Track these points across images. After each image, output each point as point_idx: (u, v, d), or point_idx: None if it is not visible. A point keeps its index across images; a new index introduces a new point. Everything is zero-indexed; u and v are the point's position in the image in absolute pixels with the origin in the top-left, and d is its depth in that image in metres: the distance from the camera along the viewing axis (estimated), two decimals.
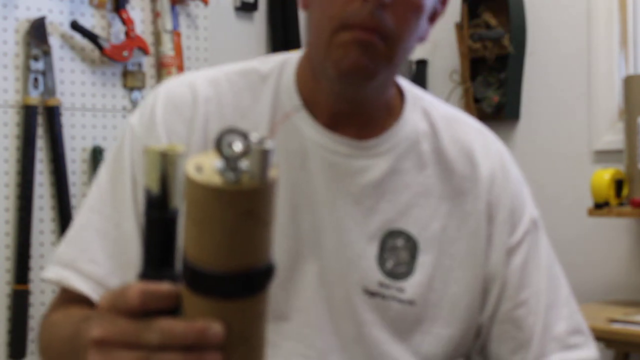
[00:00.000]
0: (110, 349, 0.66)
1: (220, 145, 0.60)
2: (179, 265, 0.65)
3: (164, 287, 0.64)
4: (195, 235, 0.62)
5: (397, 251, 1.04)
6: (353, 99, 1.02)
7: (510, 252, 1.07)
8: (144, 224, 0.65)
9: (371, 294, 1.03)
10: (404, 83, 1.11)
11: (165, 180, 0.63)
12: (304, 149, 1.03)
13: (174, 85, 1.06)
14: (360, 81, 0.98)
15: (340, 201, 1.03)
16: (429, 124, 1.08)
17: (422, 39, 1.03)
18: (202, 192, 0.60)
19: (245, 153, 0.60)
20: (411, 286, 1.03)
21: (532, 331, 1.06)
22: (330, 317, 1.03)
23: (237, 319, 0.65)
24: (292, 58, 1.07)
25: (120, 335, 0.65)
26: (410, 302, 1.03)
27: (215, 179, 0.60)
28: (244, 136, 0.60)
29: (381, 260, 1.03)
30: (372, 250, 1.03)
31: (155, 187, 0.63)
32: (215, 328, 0.63)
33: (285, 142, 1.03)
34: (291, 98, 1.04)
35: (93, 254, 1.02)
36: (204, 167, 0.61)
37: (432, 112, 1.10)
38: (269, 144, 0.60)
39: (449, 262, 1.05)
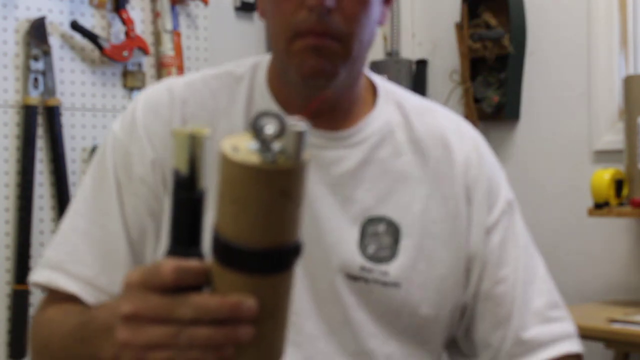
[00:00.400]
0: (140, 324, 0.68)
1: (255, 127, 0.63)
2: (208, 242, 0.68)
3: (196, 263, 0.67)
4: (231, 213, 0.65)
5: (379, 236, 1.06)
6: (321, 95, 1.05)
7: (489, 231, 1.10)
8: (172, 204, 0.68)
9: (354, 278, 1.05)
10: (377, 78, 1.15)
11: (193, 161, 0.67)
12: None
13: (153, 90, 1.11)
14: (323, 83, 1.02)
15: (317, 192, 1.05)
16: (402, 115, 1.12)
17: (380, 22, 1.06)
18: (240, 171, 0.63)
19: (280, 135, 0.63)
20: (395, 269, 1.06)
21: (511, 307, 1.09)
22: (316, 303, 1.05)
23: (268, 295, 0.68)
24: (263, 60, 1.11)
25: (153, 310, 0.67)
26: (395, 285, 1.05)
27: (253, 159, 0.63)
28: (279, 118, 0.63)
29: (362, 245, 1.06)
30: (353, 236, 1.05)
31: (184, 168, 0.66)
32: (249, 302, 0.66)
33: None
34: (264, 97, 1.08)
35: (80, 256, 1.04)
36: (239, 147, 0.65)
37: (405, 103, 1.14)
38: (303, 126, 0.63)
39: (431, 243, 1.08)
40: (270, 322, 0.69)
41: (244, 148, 0.64)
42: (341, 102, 1.08)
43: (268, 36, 1.06)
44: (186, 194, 0.67)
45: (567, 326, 1.12)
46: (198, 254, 0.68)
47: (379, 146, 1.09)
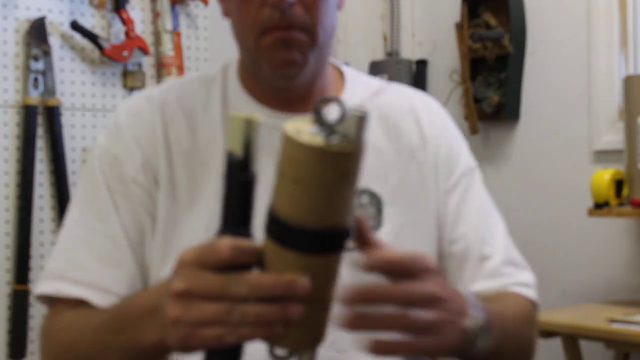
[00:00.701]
0: (193, 301, 0.70)
1: (318, 112, 0.67)
2: (258, 223, 0.71)
3: (251, 242, 0.70)
4: (292, 193, 0.68)
5: (365, 207, 1.11)
6: (294, 86, 1.10)
7: (447, 193, 1.16)
8: (225, 185, 0.71)
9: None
10: (343, 66, 1.21)
11: (248, 144, 0.70)
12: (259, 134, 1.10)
13: (131, 100, 1.17)
14: (294, 72, 1.07)
15: None
16: (369, 93, 1.18)
17: (339, 7, 1.12)
18: (305, 152, 0.66)
19: (341, 119, 0.66)
20: (383, 237, 1.08)
21: (465, 265, 1.13)
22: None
23: (319, 275, 0.71)
24: (232, 61, 1.17)
25: (207, 287, 0.69)
26: None
27: (318, 141, 0.66)
28: (340, 103, 0.67)
29: None
30: None
31: (238, 151, 0.70)
32: (303, 281, 0.69)
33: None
34: (238, 93, 1.13)
35: (83, 263, 1.06)
36: (301, 131, 0.68)
37: (371, 83, 1.21)
38: (364, 111, 0.66)
39: (412, 210, 1.13)
40: (318, 302, 0.72)
41: (306, 131, 0.67)
42: (313, 88, 1.12)
43: (234, 34, 1.10)
44: (240, 176, 0.70)
45: (520, 277, 1.15)
46: (248, 234, 0.71)
47: None
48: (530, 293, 1.15)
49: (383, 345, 0.77)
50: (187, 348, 0.71)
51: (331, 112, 0.66)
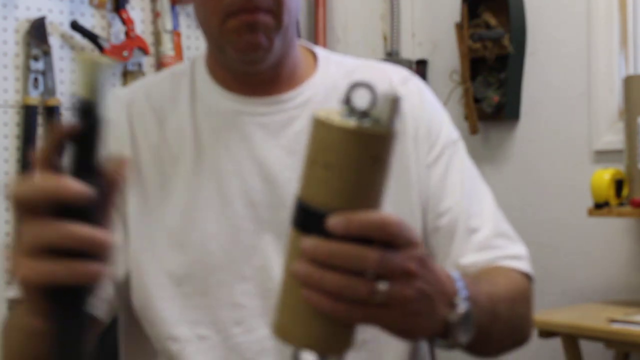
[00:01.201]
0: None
1: (349, 96, 0.66)
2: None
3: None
4: (324, 179, 0.66)
5: None
6: (260, 70, 1.09)
7: (430, 166, 1.13)
8: (75, 131, 0.68)
9: None
10: (316, 48, 1.20)
11: (93, 87, 0.68)
12: (229, 122, 1.10)
13: None
14: (260, 56, 1.05)
15: (273, 157, 1.08)
16: (344, 72, 1.16)
17: None
18: (338, 134, 0.65)
19: (373, 103, 0.65)
20: None
21: (453, 239, 1.11)
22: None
23: None
24: (200, 55, 1.17)
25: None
26: None
27: (350, 124, 0.65)
28: (371, 88, 0.66)
29: None
30: None
31: (85, 93, 0.67)
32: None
33: (210, 121, 1.10)
34: (206, 83, 1.12)
35: None
36: (332, 116, 0.66)
37: (345, 61, 1.19)
38: (396, 94, 0.65)
39: (393, 188, 1.11)
40: None
41: (336, 116, 0.66)
42: (280, 70, 1.11)
43: (198, 20, 1.09)
44: (84, 119, 0.68)
45: (512, 250, 1.12)
46: (91, 179, 0.68)
47: (324, 103, 1.12)
48: (523, 266, 1.11)
49: (314, 298, 0.68)
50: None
51: (365, 96, 0.66)
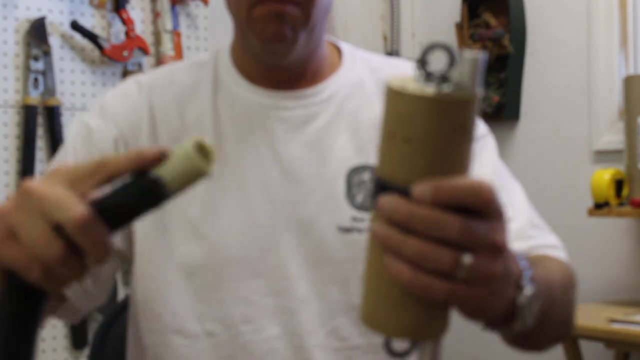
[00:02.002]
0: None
1: (425, 60, 0.59)
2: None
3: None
4: (405, 154, 0.60)
5: (366, 184, 1.07)
6: (284, 63, 1.07)
7: None
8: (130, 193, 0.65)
9: (346, 230, 1.05)
10: (342, 43, 1.18)
11: (184, 184, 0.65)
12: (251, 114, 1.09)
13: (122, 84, 1.16)
14: (284, 49, 1.04)
15: (294, 153, 1.07)
16: (369, 70, 1.14)
17: None
18: (417, 104, 0.59)
19: (451, 65, 0.59)
20: None
21: None
22: (308, 265, 1.05)
23: None
24: (225, 45, 1.15)
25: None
26: None
27: (430, 91, 0.59)
28: (448, 48, 0.59)
29: (350, 196, 1.06)
30: (339, 189, 1.06)
31: (171, 185, 0.65)
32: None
33: (232, 112, 1.09)
34: (230, 74, 1.11)
35: None
36: (407, 85, 0.60)
37: (371, 58, 1.17)
38: (476, 53, 0.59)
39: None
40: None
41: (412, 85, 0.60)
42: (306, 66, 1.10)
43: (227, 6, 1.08)
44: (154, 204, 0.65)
45: (548, 239, 1.08)
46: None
47: (348, 99, 1.11)
48: (562, 255, 1.07)
49: (393, 267, 0.61)
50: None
51: (443, 58, 0.60)
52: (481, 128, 1.15)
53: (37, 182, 0.66)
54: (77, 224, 0.63)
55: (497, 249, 0.63)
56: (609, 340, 2.23)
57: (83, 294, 1.07)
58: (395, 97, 0.60)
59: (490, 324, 0.76)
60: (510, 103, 2.86)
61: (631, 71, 2.66)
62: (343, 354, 1.05)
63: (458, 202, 0.60)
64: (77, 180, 0.66)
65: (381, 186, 0.61)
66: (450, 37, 3.02)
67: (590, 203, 2.47)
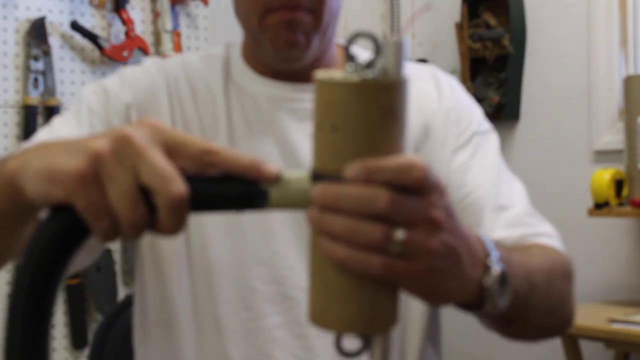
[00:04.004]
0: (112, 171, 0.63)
1: (350, 50, 0.61)
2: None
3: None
4: (333, 143, 0.61)
5: None
6: (296, 68, 1.08)
7: (456, 150, 1.11)
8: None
9: None
10: (351, 46, 1.17)
11: None
12: (260, 104, 1.10)
13: (143, 61, 1.17)
14: (297, 54, 1.05)
15: (301, 144, 1.07)
16: None
17: None
18: (341, 91, 0.60)
19: (377, 52, 0.60)
20: None
21: (482, 217, 1.07)
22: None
23: None
24: (236, 40, 1.16)
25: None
26: None
27: (353, 78, 0.60)
28: (372, 37, 0.60)
29: None
30: None
31: None
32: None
33: (242, 103, 1.10)
34: (240, 67, 1.12)
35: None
36: (333, 76, 0.61)
37: None
38: (400, 38, 0.60)
39: None
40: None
41: (338, 74, 0.61)
42: (315, 65, 1.09)
43: (237, 13, 1.08)
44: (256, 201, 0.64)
45: (543, 228, 1.08)
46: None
47: None
48: (557, 244, 1.06)
49: (327, 247, 0.62)
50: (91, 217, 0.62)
51: (368, 46, 0.61)
52: (485, 124, 1.16)
53: (137, 132, 0.61)
54: (174, 202, 0.60)
55: (434, 224, 0.63)
56: (609, 340, 2.23)
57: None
58: (321, 87, 0.61)
59: (461, 305, 0.76)
60: (510, 103, 2.86)
61: (631, 71, 2.66)
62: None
63: (389, 180, 0.60)
64: (177, 151, 0.63)
65: (315, 178, 0.62)
66: (450, 37, 3.02)
67: (590, 203, 2.47)
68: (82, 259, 1.08)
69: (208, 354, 1.06)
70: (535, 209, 1.15)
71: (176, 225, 0.62)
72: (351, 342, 0.64)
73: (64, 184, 0.62)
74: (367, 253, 0.61)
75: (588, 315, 2.28)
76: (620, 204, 2.43)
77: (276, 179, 0.63)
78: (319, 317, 0.64)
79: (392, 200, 0.60)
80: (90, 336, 2.31)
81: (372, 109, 0.60)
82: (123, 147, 0.61)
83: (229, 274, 1.05)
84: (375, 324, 0.63)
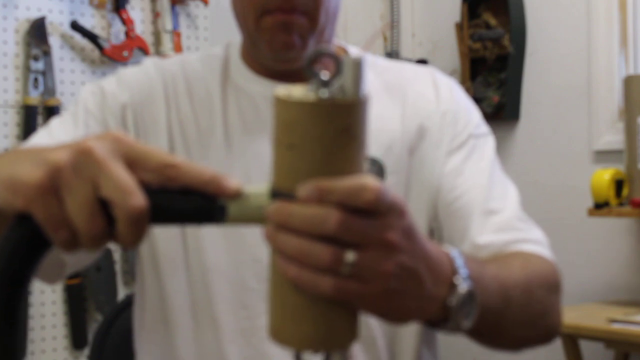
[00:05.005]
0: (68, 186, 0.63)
1: (310, 67, 0.60)
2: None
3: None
4: (289, 161, 0.60)
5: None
6: (293, 69, 1.09)
7: (450, 153, 1.11)
8: None
9: None
10: (351, 47, 1.19)
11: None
12: (256, 104, 1.10)
13: (142, 61, 1.18)
14: (294, 55, 1.05)
15: None
16: (375, 71, 1.15)
17: None
18: (296, 110, 0.60)
19: (337, 71, 0.60)
20: None
21: (470, 220, 1.06)
22: None
23: None
24: (235, 40, 1.16)
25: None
26: None
27: (310, 97, 0.60)
28: (332, 56, 0.60)
29: None
30: None
31: None
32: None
33: (239, 102, 1.11)
34: (238, 67, 1.13)
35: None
36: (293, 93, 0.61)
37: (377, 62, 1.19)
38: (359, 58, 0.60)
39: (413, 181, 1.10)
40: None
41: (297, 92, 0.61)
42: None
43: (235, 14, 1.09)
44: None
45: (532, 234, 1.07)
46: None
47: None
48: (545, 251, 1.05)
49: (282, 264, 0.62)
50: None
51: (322, 67, 0.60)
52: (482, 128, 1.16)
53: (97, 145, 0.62)
54: (133, 215, 0.61)
55: (389, 246, 0.62)
56: (609, 340, 2.23)
57: None
58: (278, 105, 0.61)
59: (425, 322, 0.75)
60: (510, 103, 2.86)
61: (631, 71, 2.66)
62: None
63: (341, 201, 0.60)
64: (138, 164, 0.63)
65: (273, 195, 0.62)
66: (450, 37, 3.02)
67: (590, 203, 2.47)
68: (82, 259, 1.08)
69: (205, 352, 1.07)
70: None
71: (135, 238, 0.62)
72: (310, 357, 0.64)
73: (23, 194, 0.62)
74: (318, 274, 0.60)
75: (588, 315, 2.28)
76: (620, 204, 2.43)
77: (236, 195, 0.63)
78: (276, 333, 0.64)
79: (342, 221, 0.60)
80: (90, 336, 2.31)
81: (328, 129, 0.59)
82: (83, 159, 0.62)
83: (226, 273, 1.06)
84: (331, 342, 0.63)
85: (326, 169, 0.60)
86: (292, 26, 1.02)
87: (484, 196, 1.08)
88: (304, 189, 0.60)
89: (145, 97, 1.10)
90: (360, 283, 0.62)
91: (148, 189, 0.62)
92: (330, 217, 0.59)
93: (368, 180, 0.61)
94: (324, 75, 0.60)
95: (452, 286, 0.72)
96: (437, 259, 0.70)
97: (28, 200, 0.62)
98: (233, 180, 0.63)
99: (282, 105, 0.61)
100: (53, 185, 0.62)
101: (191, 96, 1.11)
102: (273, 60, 1.07)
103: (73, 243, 0.63)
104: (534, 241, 1.05)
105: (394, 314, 0.67)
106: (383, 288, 0.63)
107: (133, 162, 0.63)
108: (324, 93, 0.59)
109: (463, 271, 0.74)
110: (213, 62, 1.15)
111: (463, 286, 0.73)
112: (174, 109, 1.11)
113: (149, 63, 1.15)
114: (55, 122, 1.10)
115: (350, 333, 0.64)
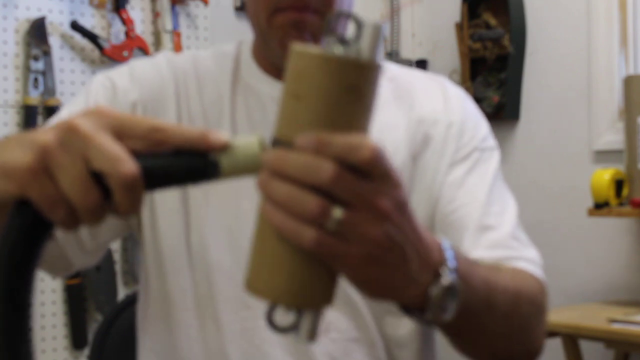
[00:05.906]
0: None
1: (329, 25, 0.61)
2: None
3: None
4: (292, 110, 0.61)
5: None
6: None
7: (453, 165, 1.10)
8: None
9: None
10: None
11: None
12: (264, 104, 1.10)
13: (153, 55, 1.17)
14: None
15: None
16: (387, 77, 1.14)
17: None
18: (307, 60, 0.61)
19: (356, 32, 0.61)
20: None
21: (464, 232, 1.06)
22: None
23: None
24: (248, 39, 1.16)
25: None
26: None
27: (324, 51, 0.61)
28: (353, 16, 0.61)
29: None
30: None
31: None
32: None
33: (247, 102, 1.10)
34: (249, 66, 1.13)
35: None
36: (310, 47, 0.62)
37: (389, 67, 1.18)
38: (379, 23, 0.61)
39: (415, 189, 1.09)
40: None
41: (314, 48, 0.62)
42: None
43: (247, 12, 1.09)
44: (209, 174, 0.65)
45: (526, 253, 1.06)
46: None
47: None
48: (537, 270, 1.03)
49: (269, 212, 0.62)
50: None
51: (346, 24, 0.62)
52: (489, 141, 1.15)
53: (82, 121, 0.62)
54: (127, 182, 0.61)
55: (379, 212, 0.62)
56: (609, 340, 2.23)
57: (78, 245, 1.06)
58: (292, 57, 0.62)
59: (401, 307, 0.74)
60: (510, 103, 2.87)
61: (631, 71, 2.66)
62: (340, 345, 1.06)
63: (338, 155, 0.60)
64: (125, 133, 0.63)
65: (273, 144, 0.63)
66: (450, 37, 3.02)
67: (590, 203, 2.47)
68: (84, 260, 1.09)
69: (207, 350, 1.07)
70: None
71: (132, 205, 0.63)
72: (284, 318, 0.64)
73: (16, 179, 0.63)
74: (302, 224, 0.60)
75: (588, 315, 2.29)
76: (620, 204, 2.43)
77: (224, 147, 0.63)
78: (251, 282, 0.64)
79: (335, 174, 0.59)
80: (90, 336, 2.31)
81: (335, 84, 0.60)
82: (70, 136, 0.62)
83: (229, 273, 1.06)
84: (304, 300, 0.63)
85: (329, 124, 0.61)
86: (304, 24, 1.01)
87: (481, 211, 1.07)
88: (303, 138, 0.60)
89: (155, 94, 1.10)
90: (343, 242, 0.61)
91: (139, 155, 0.63)
92: (324, 168, 0.60)
93: (368, 140, 0.61)
94: (343, 34, 0.61)
95: (437, 275, 0.71)
96: (426, 243, 0.69)
97: (22, 185, 0.63)
98: (220, 133, 0.64)
99: (296, 55, 0.62)
100: (44, 166, 0.63)
101: (201, 95, 1.11)
102: (284, 58, 1.07)
103: (73, 220, 0.64)
104: (526, 259, 1.04)
105: (371, 286, 0.67)
106: (365, 253, 0.63)
107: (120, 132, 0.63)
108: (339, 49, 0.60)
109: (451, 263, 0.73)
110: (225, 60, 1.14)
111: (447, 278, 0.72)
112: (185, 108, 1.11)
113: (162, 58, 1.15)
114: (64, 112, 1.10)
115: (325, 295, 0.64)
